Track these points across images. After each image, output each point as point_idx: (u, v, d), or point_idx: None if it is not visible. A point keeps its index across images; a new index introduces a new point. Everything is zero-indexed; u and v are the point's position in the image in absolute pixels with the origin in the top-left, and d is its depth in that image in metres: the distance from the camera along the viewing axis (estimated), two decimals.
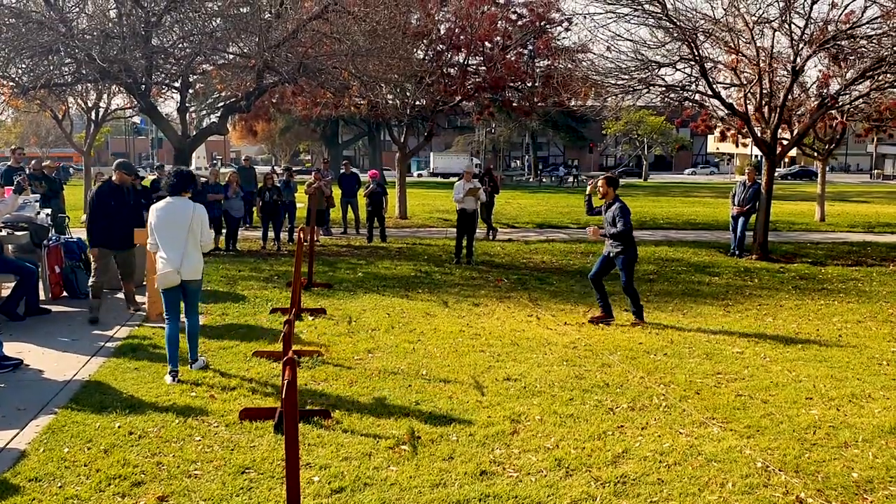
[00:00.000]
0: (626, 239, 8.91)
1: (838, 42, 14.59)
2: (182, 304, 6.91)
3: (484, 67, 21.39)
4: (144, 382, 6.56)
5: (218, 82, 20.11)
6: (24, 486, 4.55)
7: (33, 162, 15.95)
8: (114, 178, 9.08)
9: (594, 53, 23.75)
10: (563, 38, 32.49)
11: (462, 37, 20.74)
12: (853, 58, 15.32)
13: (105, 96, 31.22)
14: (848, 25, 14.40)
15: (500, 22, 21.66)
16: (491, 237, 18.46)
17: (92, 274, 9.08)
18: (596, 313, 9.49)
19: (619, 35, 33.01)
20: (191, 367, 6.94)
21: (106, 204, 8.85)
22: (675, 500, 4.50)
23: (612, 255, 9.08)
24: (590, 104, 20.25)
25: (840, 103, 16.51)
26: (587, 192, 9.60)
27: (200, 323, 8.86)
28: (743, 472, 4.87)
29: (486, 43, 21.21)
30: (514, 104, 23.37)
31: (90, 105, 32.45)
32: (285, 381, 3.68)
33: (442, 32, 21.16)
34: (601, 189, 9.15)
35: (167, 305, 6.81)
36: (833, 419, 5.87)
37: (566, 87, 18.58)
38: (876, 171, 75.22)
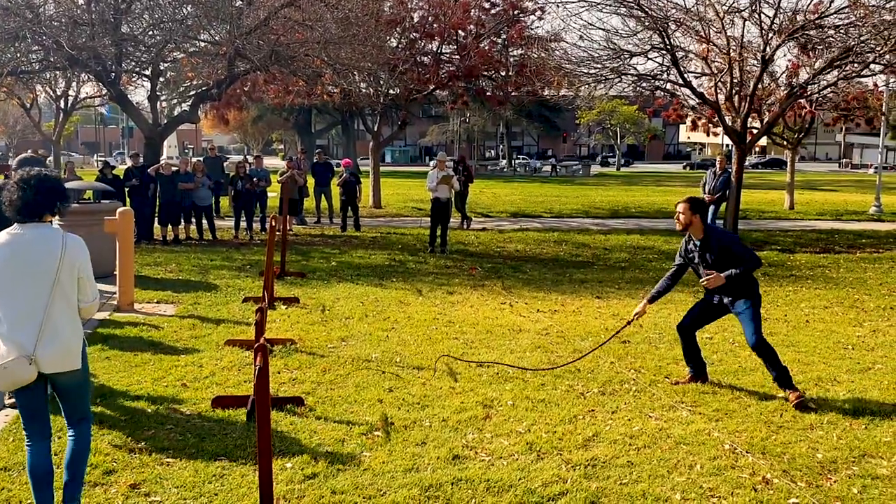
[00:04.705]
0: (749, 277, 6.15)
1: (807, 32, 14.77)
2: (62, 410, 4.03)
3: (457, 56, 21.36)
4: (116, 372, 6.51)
5: (189, 70, 19.94)
6: None
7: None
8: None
9: (567, 42, 23.80)
10: (537, 27, 32.50)
11: (435, 25, 20.70)
12: (821, 47, 15.53)
13: (74, 84, 30.82)
14: (816, 15, 14.58)
15: (473, 10, 21.62)
16: (465, 226, 18.49)
17: None
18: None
19: (591, 24, 33.15)
20: None
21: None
22: (645, 481, 4.57)
23: (727, 301, 6.22)
24: (563, 93, 20.33)
25: (809, 92, 16.75)
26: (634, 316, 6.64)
27: (170, 313, 8.86)
28: (711, 454, 4.96)
29: (460, 31, 21.17)
30: (488, 93, 23.37)
31: (59, 93, 31.96)
32: (257, 368, 3.68)
33: (415, 20, 21.11)
34: (682, 218, 6.19)
35: (23, 416, 3.95)
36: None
37: (539, 76, 18.63)
38: (845, 160, 76.29)
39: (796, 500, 4.36)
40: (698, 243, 6.21)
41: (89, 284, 3.93)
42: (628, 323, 6.76)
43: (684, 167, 70.13)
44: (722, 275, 5.99)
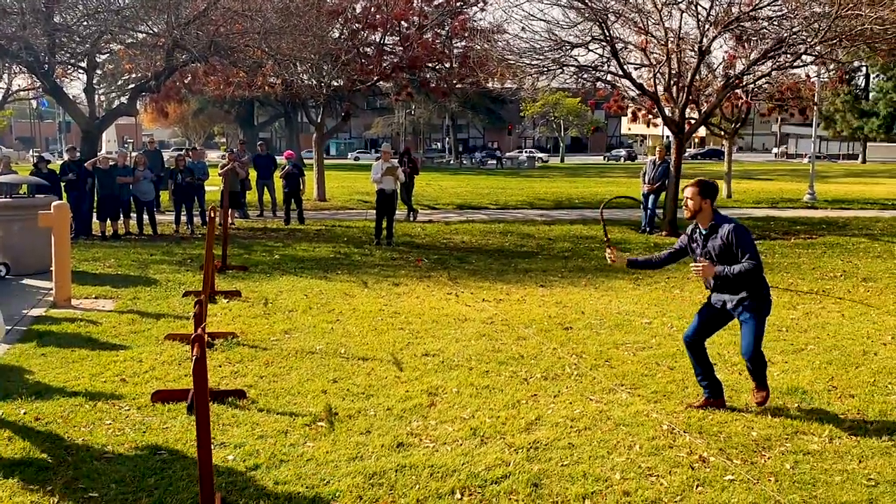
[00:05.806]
0: (755, 281, 5.35)
1: (741, 23, 15.11)
2: None
3: (400, 47, 21.31)
4: (52, 368, 6.36)
5: (126, 62, 19.51)
6: None
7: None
8: None
9: (509, 34, 23.98)
10: (479, 18, 32.57)
11: (378, 16, 20.62)
12: (756, 39, 15.91)
13: (5, 76, 29.83)
14: (750, 7, 14.92)
15: (415, 1, 21.60)
16: (411, 218, 18.48)
17: None
18: (689, 396, 5.85)
19: (532, 15, 33.40)
20: None
21: None
22: (585, 462, 4.65)
23: (729, 306, 5.49)
24: (506, 85, 20.45)
25: (744, 83, 17.14)
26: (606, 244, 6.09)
27: (108, 309, 8.68)
28: (650, 435, 5.07)
29: (403, 22, 21.13)
30: (432, 85, 23.37)
31: None
32: (194, 358, 3.64)
33: (357, 11, 20.98)
34: (690, 204, 5.38)
35: None
36: (735, 383, 6.14)
37: (482, 67, 18.70)
38: (781, 149, 78.41)
39: (732, 476, 4.48)
40: (704, 232, 5.41)
41: None
42: (607, 242, 6.07)
43: (604, 158, 76.68)
44: (715, 268, 5.28)
